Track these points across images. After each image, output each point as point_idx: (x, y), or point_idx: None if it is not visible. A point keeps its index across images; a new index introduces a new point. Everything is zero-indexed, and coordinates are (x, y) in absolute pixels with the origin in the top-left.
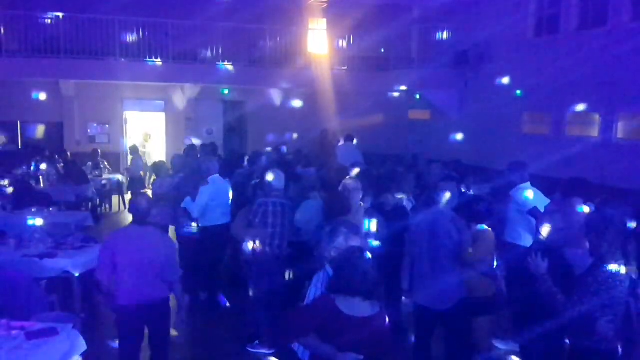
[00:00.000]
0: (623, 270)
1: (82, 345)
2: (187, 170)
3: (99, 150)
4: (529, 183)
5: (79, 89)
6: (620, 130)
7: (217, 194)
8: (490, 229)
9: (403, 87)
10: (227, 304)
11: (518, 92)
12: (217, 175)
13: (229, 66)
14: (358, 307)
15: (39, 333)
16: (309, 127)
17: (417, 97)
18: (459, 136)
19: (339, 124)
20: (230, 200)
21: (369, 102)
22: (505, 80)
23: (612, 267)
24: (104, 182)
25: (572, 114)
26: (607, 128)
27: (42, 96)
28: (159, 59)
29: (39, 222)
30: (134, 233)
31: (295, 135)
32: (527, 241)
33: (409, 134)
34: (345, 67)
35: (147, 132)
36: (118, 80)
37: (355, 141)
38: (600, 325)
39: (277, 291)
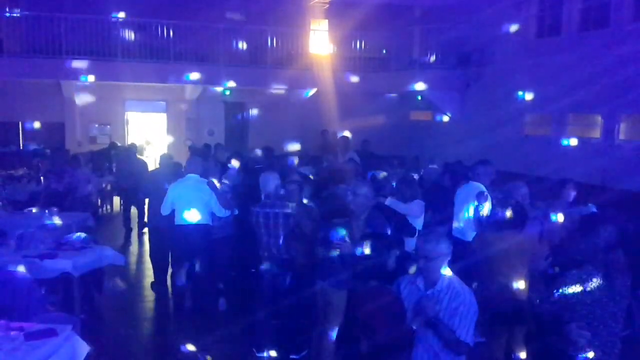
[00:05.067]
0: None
1: (85, 348)
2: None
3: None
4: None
5: (81, 90)
6: (622, 131)
7: (180, 194)
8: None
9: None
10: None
11: (520, 93)
12: (192, 175)
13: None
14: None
15: (38, 334)
16: (311, 128)
17: (419, 98)
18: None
19: (341, 124)
20: (202, 201)
21: (371, 102)
22: (507, 81)
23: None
24: (104, 183)
25: (574, 116)
26: (609, 130)
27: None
28: (160, 60)
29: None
30: None
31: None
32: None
33: (411, 135)
34: (347, 68)
35: (147, 139)
36: (119, 81)
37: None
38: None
39: (280, 295)
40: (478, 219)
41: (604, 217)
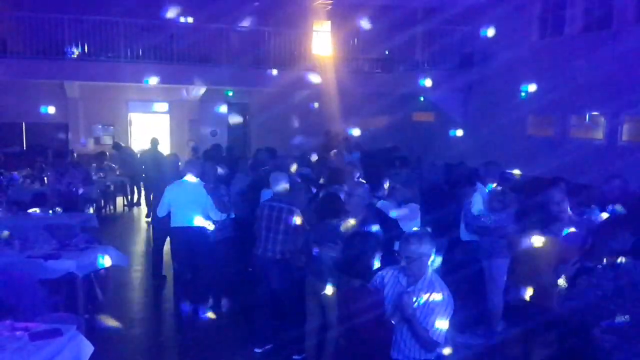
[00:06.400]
0: None
1: (89, 348)
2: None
3: (107, 152)
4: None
5: (84, 91)
6: (625, 132)
7: (176, 196)
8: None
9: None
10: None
11: (522, 94)
12: (190, 176)
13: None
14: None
15: (43, 334)
16: (313, 129)
17: (421, 99)
18: (461, 135)
19: (344, 125)
20: (197, 203)
21: (373, 103)
22: (510, 82)
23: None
24: (108, 183)
25: (577, 117)
26: (612, 130)
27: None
28: (163, 61)
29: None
30: None
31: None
32: (463, 236)
33: (413, 136)
34: (349, 69)
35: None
36: (122, 82)
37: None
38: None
39: (274, 295)
40: (465, 215)
41: (626, 222)
